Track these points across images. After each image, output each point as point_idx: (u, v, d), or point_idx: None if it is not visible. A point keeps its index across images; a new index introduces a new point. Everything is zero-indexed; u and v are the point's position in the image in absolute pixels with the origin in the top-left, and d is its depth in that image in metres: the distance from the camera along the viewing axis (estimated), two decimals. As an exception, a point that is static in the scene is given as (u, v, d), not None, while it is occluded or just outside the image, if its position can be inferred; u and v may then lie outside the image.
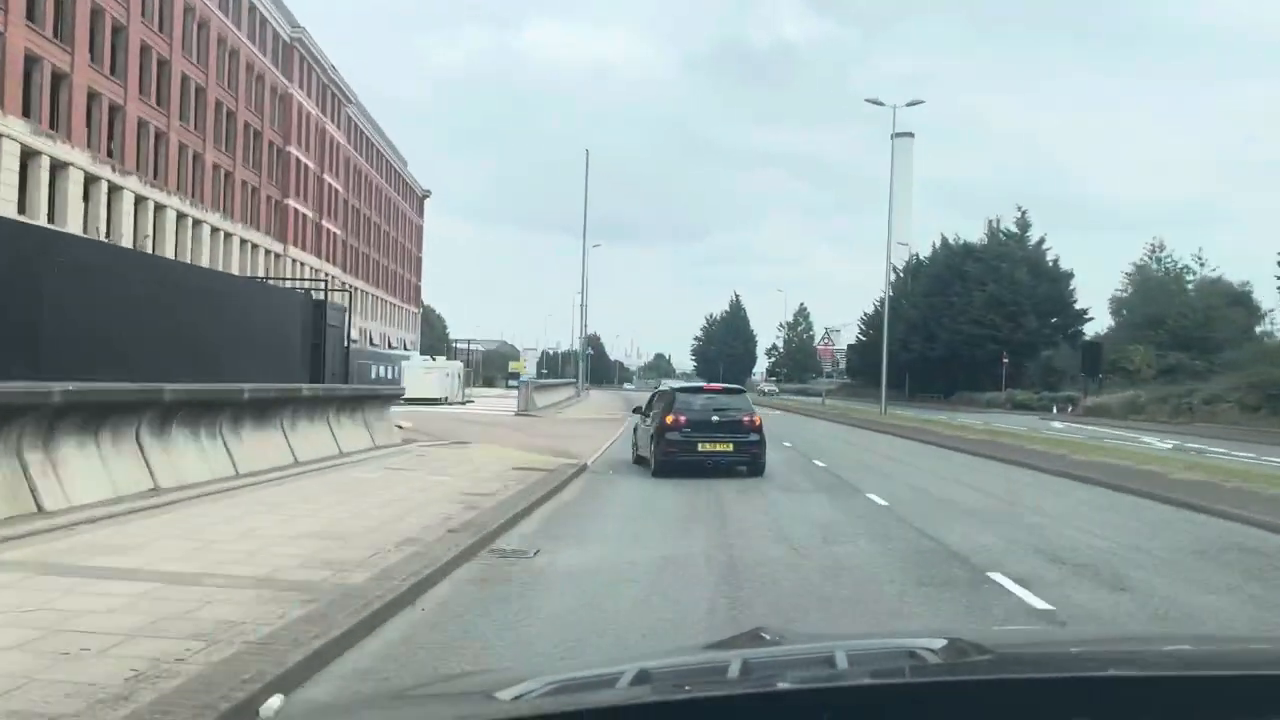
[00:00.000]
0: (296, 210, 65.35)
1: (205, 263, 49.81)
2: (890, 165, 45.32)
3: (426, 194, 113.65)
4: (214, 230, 52.25)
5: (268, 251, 60.95)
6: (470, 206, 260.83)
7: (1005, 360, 60.74)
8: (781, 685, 1.38)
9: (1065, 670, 1.46)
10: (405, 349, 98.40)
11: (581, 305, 65.24)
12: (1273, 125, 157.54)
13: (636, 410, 18.69)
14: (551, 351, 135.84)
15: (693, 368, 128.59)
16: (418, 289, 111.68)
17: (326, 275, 73.11)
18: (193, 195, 49.85)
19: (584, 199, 59.38)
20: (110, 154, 42.01)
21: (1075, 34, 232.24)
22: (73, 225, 36.57)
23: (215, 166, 52.52)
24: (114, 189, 42.06)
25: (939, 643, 1.54)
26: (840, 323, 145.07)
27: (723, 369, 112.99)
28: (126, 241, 39.91)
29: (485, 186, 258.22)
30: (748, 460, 15.35)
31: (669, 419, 15.11)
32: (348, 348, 25.86)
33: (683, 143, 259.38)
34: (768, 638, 2.00)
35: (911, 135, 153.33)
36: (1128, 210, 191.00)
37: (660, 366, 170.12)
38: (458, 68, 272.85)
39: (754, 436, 15.32)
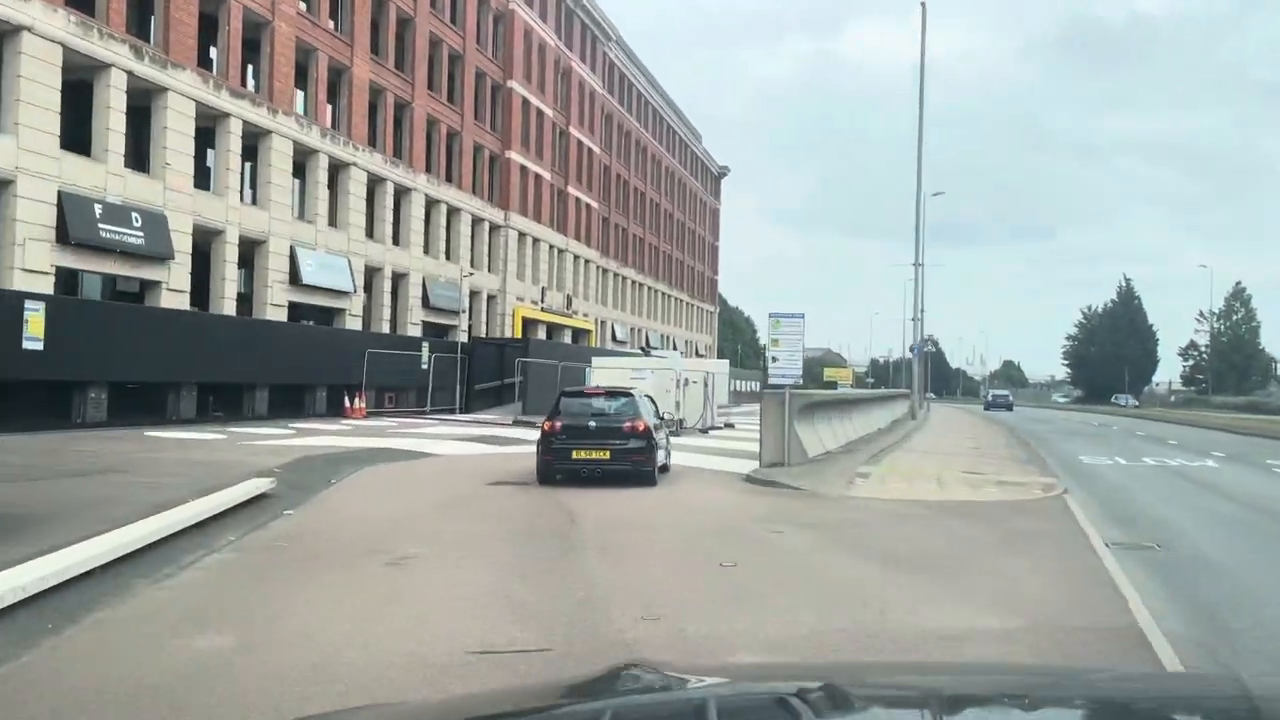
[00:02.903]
0: (523, 167, 49.07)
1: (371, 229, 34.00)
2: None
3: (723, 171, 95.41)
4: (376, 179, 36.61)
5: (477, 219, 44.95)
6: (794, 214, 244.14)
7: None
8: None
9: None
10: (698, 354, 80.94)
11: (916, 280, 42.51)
12: None
13: None
14: (882, 360, 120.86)
15: (1066, 374, 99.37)
16: (713, 283, 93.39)
17: (577, 258, 56.77)
18: (334, 125, 34.36)
19: (919, 129, 37.74)
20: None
21: None
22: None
23: (375, 88, 36.84)
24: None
25: (814, 685, 1.56)
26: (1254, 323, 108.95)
27: (1113, 375, 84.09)
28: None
29: (809, 194, 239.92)
30: (628, 469, 13.49)
31: (547, 425, 13.71)
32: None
33: (1022, 136, 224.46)
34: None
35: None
36: None
37: (1010, 374, 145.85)
38: (779, 78, 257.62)
39: (635, 443, 13.62)
